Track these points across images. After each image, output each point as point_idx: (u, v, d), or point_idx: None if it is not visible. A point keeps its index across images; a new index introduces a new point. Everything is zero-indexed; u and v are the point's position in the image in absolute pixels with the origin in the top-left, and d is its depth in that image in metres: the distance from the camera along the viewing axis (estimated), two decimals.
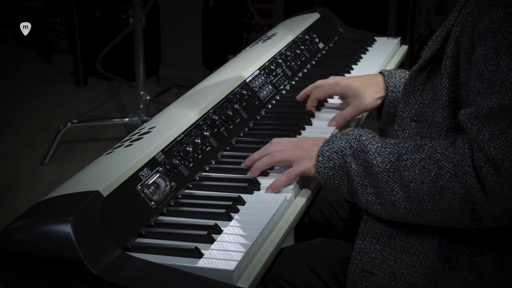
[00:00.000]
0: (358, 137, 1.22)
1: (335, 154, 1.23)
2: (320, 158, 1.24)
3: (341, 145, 1.23)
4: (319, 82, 1.62)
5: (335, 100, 1.67)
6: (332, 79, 1.61)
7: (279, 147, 1.34)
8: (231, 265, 1.06)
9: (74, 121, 3.45)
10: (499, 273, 1.17)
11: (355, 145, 1.21)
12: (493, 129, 1.04)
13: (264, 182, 1.32)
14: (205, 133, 1.43)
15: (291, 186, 1.29)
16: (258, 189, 1.30)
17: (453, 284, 1.17)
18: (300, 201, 1.30)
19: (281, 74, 1.80)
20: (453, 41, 1.16)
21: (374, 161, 1.17)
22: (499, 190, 1.04)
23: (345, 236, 1.54)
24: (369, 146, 1.19)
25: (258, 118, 1.62)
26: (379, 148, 1.18)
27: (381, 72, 1.58)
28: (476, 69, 1.08)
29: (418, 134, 1.25)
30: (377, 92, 1.54)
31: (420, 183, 1.11)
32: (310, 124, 1.57)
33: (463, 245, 1.17)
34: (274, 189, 1.28)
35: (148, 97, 3.38)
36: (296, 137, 1.46)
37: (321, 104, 1.66)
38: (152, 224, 1.20)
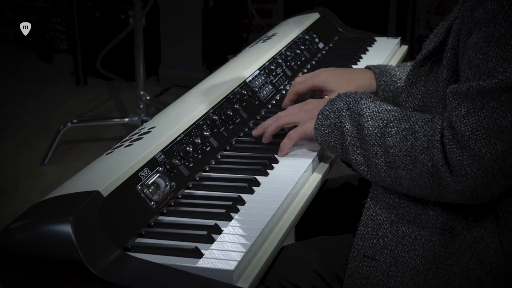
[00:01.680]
0: (358, 99, 1.28)
1: (332, 113, 1.29)
2: (320, 115, 1.31)
3: (340, 105, 1.29)
4: (298, 78, 1.60)
5: None
6: (312, 72, 1.59)
7: (285, 112, 1.43)
8: (231, 265, 1.06)
9: (74, 121, 3.45)
10: (500, 259, 1.18)
11: (353, 107, 1.27)
12: (470, 106, 1.08)
13: (264, 181, 1.32)
14: (205, 133, 1.43)
15: (292, 186, 1.29)
16: (258, 186, 1.30)
17: (453, 269, 1.19)
18: (301, 201, 1.30)
19: (281, 74, 1.80)
20: (454, 33, 1.19)
21: (366, 124, 1.22)
22: (460, 167, 1.08)
23: (347, 234, 1.53)
24: (365, 109, 1.24)
25: (258, 118, 1.62)
26: (374, 113, 1.23)
27: (369, 68, 1.57)
28: (468, 56, 1.11)
29: None
30: (358, 87, 1.51)
31: (398, 151, 1.16)
32: None
33: (465, 231, 1.19)
34: (281, 152, 1.40)
35: (148, 97, 3.39)
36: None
37: None
38: (152, 224, 1.20)
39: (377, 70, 1.56)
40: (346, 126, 1.26)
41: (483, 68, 1.08)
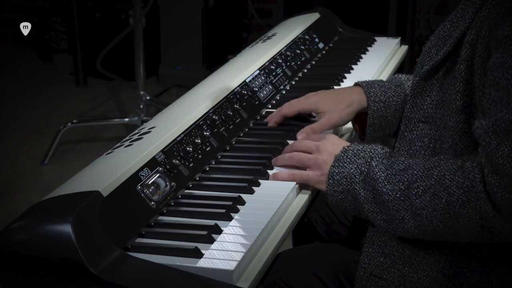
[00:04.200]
0: (369, 160, 1.20)
1: (344, 179, 1.22)
2: (330, 181, 1.23)
3: (351, 171, 1.21)
4: (287, 103, 1.54)
5: None
6: (303, 97, 1.53)
7: (300, 145, 1.36)
8: (231, 265, 1.06)
9: (74, 121, 3.45)
10: (510, 278, 1.15)
11: (365, 170, 1.19)
12: None
13: (264, 182, 1.32)
14: (205, 133, 1.43)
15: (292, 186, 1.29)
16: (258, 185, 1.30)
17: None
18: (301, 201, 1.30)
19: (281, 74, 1.80)
20: (468, 44, 1.14)
21: (384, 189, 1.15)
22: None
23: (348, 240, 1.53)
24: (378, 173, 1.17)
25: (258, 118, 1.62)
26: (389, 176, 1.15)
27: (358, 84, 1.51)
28: (492, 77, 1.05)
29: (426, 135, 1.23)
30: (348, 105, 1.47)
31: (432, 210, 1.09)
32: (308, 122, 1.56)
33: (475, 250, 1.15)
34: (275, 178, 1.32)
35: (148, 97, 3.39)
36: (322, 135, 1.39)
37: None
38: (152, 224, 1.20)
39: (364, 84, 1.49)
40: (361, 193, 1.19)
41: None
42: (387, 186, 1.14)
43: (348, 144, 1.27)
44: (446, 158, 1.13)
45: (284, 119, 1.55)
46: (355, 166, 1.21)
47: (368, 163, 1.20)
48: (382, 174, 1.16)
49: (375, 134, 1.48)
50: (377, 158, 1.20)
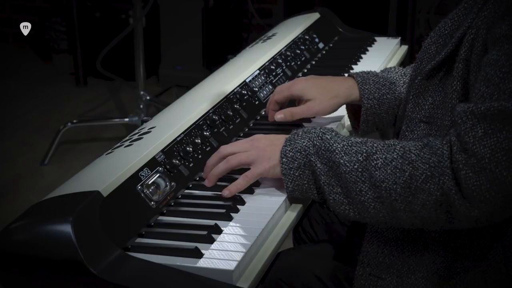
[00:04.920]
0: (321, 135, 1.19)
1: (298, 153, 1.19)
2: (284, 159, 1.20)
3: (304, 143, 1.19)
4: (278, 87, 1.52)
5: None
6: (291, 81, 1.51)
7: (232, 148, 1.28)
8: (231, 265, 1.06)
9: (74, 121, 3.45)
10: (504, 278, 1.16)
11: (318, 144, 1.18)
12: (487, 127, 1.02)
13: (264, 182, 1.32)
14: (205, 133, 1.43)
15: None
16: (258, 186, 1.30)
17: None
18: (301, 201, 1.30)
19: (281, 74, 1.80)
20: (467, 43, 1.14)
21: (341, 160, 1.14)
22: (478, 193, 1.02)
23: (348, 240, 1.53)
24: (334, 145, 1.16)
25: (258, 118, 1.62)
26: (345, 147, 1.15)
27: (352, 76, 1.49)
28: (485, 73, 1.06)
29: (428, 135, 1.22)
30: (334, 96, 1.45)
31: (393, 183, 1.09)
32: (309, 122, 1.56)
33: (468, 250, 1.16)
34: (230, 193, 1.24)
35: (148, 97, 3.39)
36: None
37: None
38: (152, 224, 1.20)
39: (359, 79, 1.46)
40: (317, 165, 1.16)
41: (504, 87, 1.03)
42: (344, 157, 1.14)
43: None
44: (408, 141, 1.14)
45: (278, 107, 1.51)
46: (307, 139, 1.20)
47: (320, 137, 1.19)
48: (338, 146, 1.15)
49: (368, 129, 1.49)
50: (330, 133, 1.20)
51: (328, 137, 1.18)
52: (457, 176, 1.04)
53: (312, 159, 1.17)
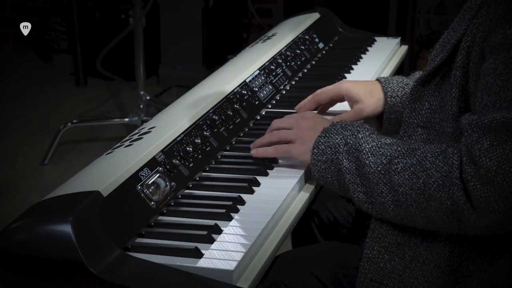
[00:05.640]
0: (355, 133, 1.23)
1: (329, 149, 1.24)
2: (315, 150, 1.25)
3: (337, 140, 1.24)
4: (320, 89, 1.56)
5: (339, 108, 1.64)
6: (336, 84, 1.55)
7: (280, 123, 1.37)
8: (231, 265, 1.06)
9: (74, 121, 3.45)
10: (510, 283, 1.15)
11: (350, 142, 1.22)
12: (493, 139, 1.03)
13: (264, 182, 1.32)
14: (205, 133, 1.43)
15: (292, 186, 1.29)
16: (258, 186, 1.30)
17: None
18: (301, 201, 1.30)
19: (281, 74, 1.80)
20: (463, 51, 1.15)
21: (367, 161, 1.17)
22: (486, 204, 1.03)
23: (348, 241, 1.53)
24: (363, 145, 1.19)
25: (258, 118, 1.62)
26: (373, 148, 1.18)
27: (377, 80, 1.54)
28: (485, 82, 1.07)
29: (425, 140, 1.23)
30: (380, 99, 1.50)
31: (409, 189, 1.11)
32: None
33: (474, 254, 1.15)
34: (257, 154, 1.35)
35: (148, 97, 3.39)
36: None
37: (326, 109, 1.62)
38: (152, 224, 1.20)
39: (383, 80, 1.52)
40: (344, 164, 1.20)
41: (504, 96, 1.04)
42: (370, 158, 1.17)
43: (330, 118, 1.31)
44: (432, 143, 1.16)
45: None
46: (341, 136, 1.24)
47: (354, 136, 1.22)
48: (367, 146, 1.18)
49: (391, 128, 1.51)
50: (364, 131, 1.23)
51: (361, 136, 1.22)
52: (466, 186, 1.05)
53: (339, 157, 1.22)
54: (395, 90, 1.50)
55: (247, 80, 1.67)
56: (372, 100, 1.50)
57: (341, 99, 1.56)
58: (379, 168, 1.15)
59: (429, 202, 1.09)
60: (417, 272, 1.18)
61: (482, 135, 1.04)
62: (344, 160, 1.20)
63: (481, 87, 1.08)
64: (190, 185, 1.33)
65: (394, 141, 1.19)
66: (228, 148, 1.47)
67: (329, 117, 1.45)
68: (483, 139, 1.04)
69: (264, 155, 1.36)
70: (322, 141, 1.25)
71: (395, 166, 1.13)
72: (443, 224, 1.10)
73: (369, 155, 1.17)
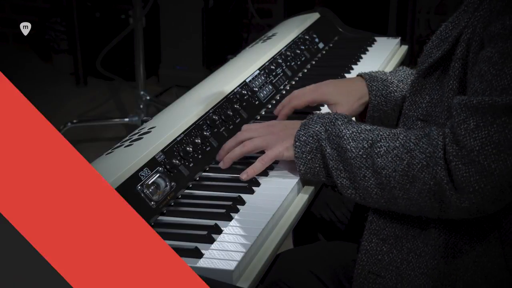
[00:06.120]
0: (333, 121, 1.24)
1: (310, 138, 1.25)
2: (297, 143, 1.26)
3: (316, 129, 1.25)
4: (296, 91, 1.52)
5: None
6: (311, 86, 1.51)
7: (249, 134, 1.34)
8: (231, 265, 1.06)
9: (74, 121, 3.45)
10: (504, 273, 1.16)
11: (330, 129, 1.23)
12: (479, 120, 1.05)
13: (264, 182, 1.32)
14: (205, 133, 1.43)
15: (292, 186, 1.29)
16: (258, 186, 1.30)
17: (458, 285, 1.17)
18: (301, 201, 1.30)
19: (281, 74, 1.80)
20: (463, 43, 1.16)
21: (348, 146, 1.18)
22: (467, 184, 1.05)
23: (347, 238, 1.53)
24: (344, 131, 1.21)
25: (258, 118, 1.62)
26: (354, 134, 1.19)
27: (361, 75, 1.51)
28: (479, 69, 1.08)
29: None
30: (359, 98, 1.48)
31: (392, 171, 1.13)
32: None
33: (468, 246, 1.16)
34: (248, 176, 1.30)
35: (148, 97, 3.39)
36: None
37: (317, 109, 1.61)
38: (152, 224, 1.20)
39: (367, 76, 1.49)
40: (327, 150, 1.21)
41: (496, 84, 1.05)
42: (351, 143, 1.18)
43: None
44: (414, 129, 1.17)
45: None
46: (320, 124, 1.25)
47: (333, 123, 1.24)
48: (347, 132, 1.20)
49: (374, 125, 1.48)
50: (342, 119, 1.25)
51: (340, 123, 1.23)
52: (449, 167, 1.07)
53: (323, 144, 1.23)
54: (379, 88, 1.47)
55: (247, 80, 1.67)
56: (351, 101, 1.47)
57: (319, 103, 1.54)
58: (360, 152, 1.17)
59: (412, 184, 1.11)
60: (414, 264, 1.19)
61: (470, 115, 1.06)
62: (327, 147, 1.22)
63: (475, 73, 1.09)
64: (190, 185, 1.33)
65: (374, 127, 1.20)
66: None
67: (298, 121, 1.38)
68: (470, 119, 1.06)
69: (256, 173, 1.31)
70: (302, 133, 1.26)
71: (378, 150, 1.15)
72: (425, 206, 1.12)
73: (350, 141, 1.19)
